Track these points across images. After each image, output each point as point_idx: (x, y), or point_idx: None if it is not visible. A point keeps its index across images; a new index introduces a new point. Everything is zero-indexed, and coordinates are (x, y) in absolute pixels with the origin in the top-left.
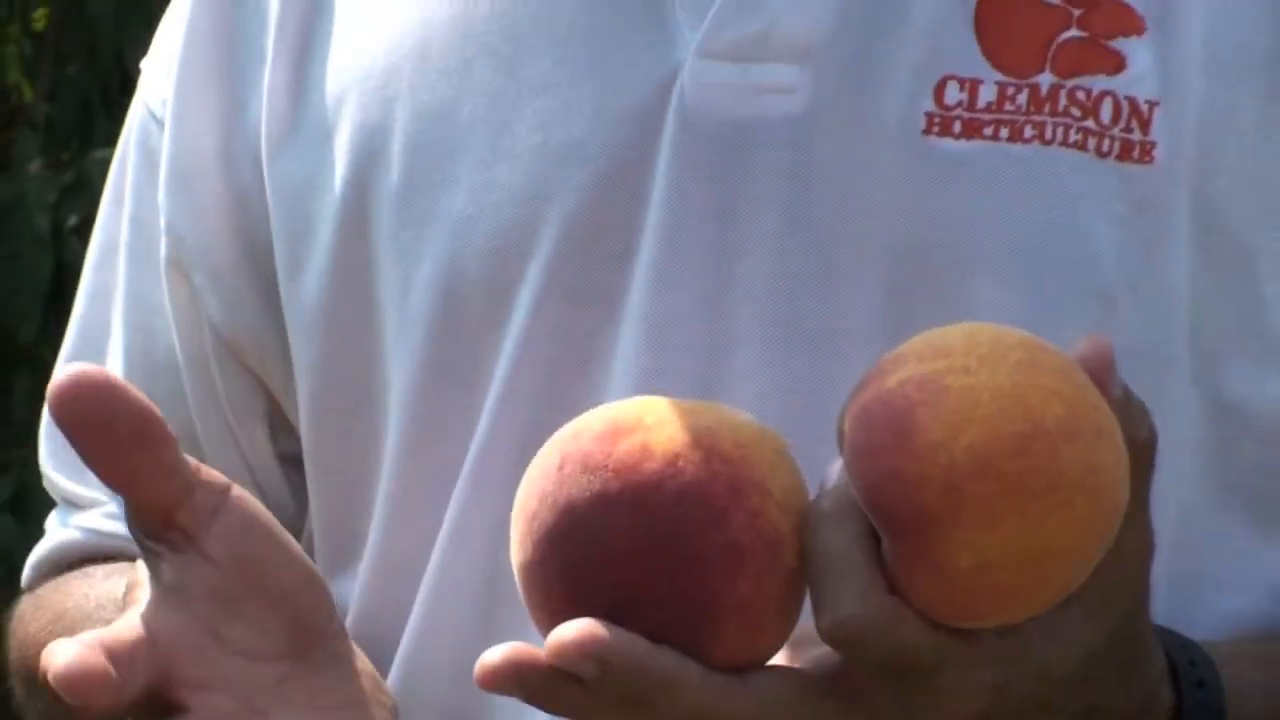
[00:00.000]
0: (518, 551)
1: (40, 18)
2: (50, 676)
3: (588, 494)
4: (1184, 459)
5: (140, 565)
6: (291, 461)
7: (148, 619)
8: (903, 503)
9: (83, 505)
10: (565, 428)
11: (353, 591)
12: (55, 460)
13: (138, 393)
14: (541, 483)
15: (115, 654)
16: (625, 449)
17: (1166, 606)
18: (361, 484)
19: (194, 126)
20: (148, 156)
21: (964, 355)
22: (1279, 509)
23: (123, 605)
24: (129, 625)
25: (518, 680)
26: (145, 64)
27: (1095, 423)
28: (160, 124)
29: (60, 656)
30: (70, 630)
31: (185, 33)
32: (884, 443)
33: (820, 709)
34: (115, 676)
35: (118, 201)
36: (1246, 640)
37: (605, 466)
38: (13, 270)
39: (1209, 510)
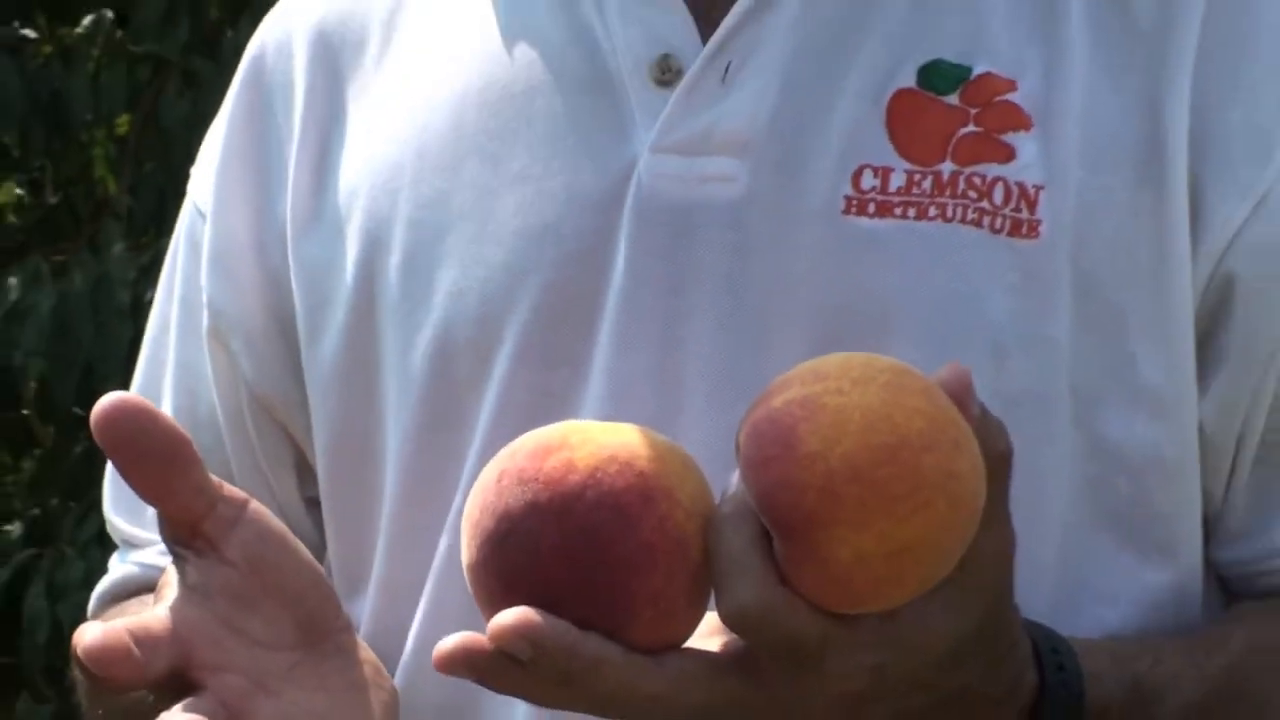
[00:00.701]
0: (465, 553)
1: (123, 124)
2: (80, 651)
3: (521, 503)
4: (1065, 489)
5: (170, 568)
6: (316, 503)
7: (173, 611)
8: (788, 506)
9: (139, 544)
10: (505, 448)
11: (363, 612)
12: (116, 506)
13: (169, 418)
14: (484, 494)
15: (139, 638)
16: (552, 464)
17: (1052, 614)
18: (367, 521)
19: (231, 219)
20: (193, 246)
21: (839, 379)
22: (1147, 534)
23: (155, 603)
24: (155, 616)
25: (468, 663)
26: (193, 170)
27: (952, 436)
28: (204, 218)
29: (89, 635)
30: None
31: (223, 143)
32: (771, 454)
33: (725, 685)
34: (138, 655)
35: (169, 286)
36: (1109, 639)
37: (536, 479)
38: (100, 338)
39: (1088, 533)
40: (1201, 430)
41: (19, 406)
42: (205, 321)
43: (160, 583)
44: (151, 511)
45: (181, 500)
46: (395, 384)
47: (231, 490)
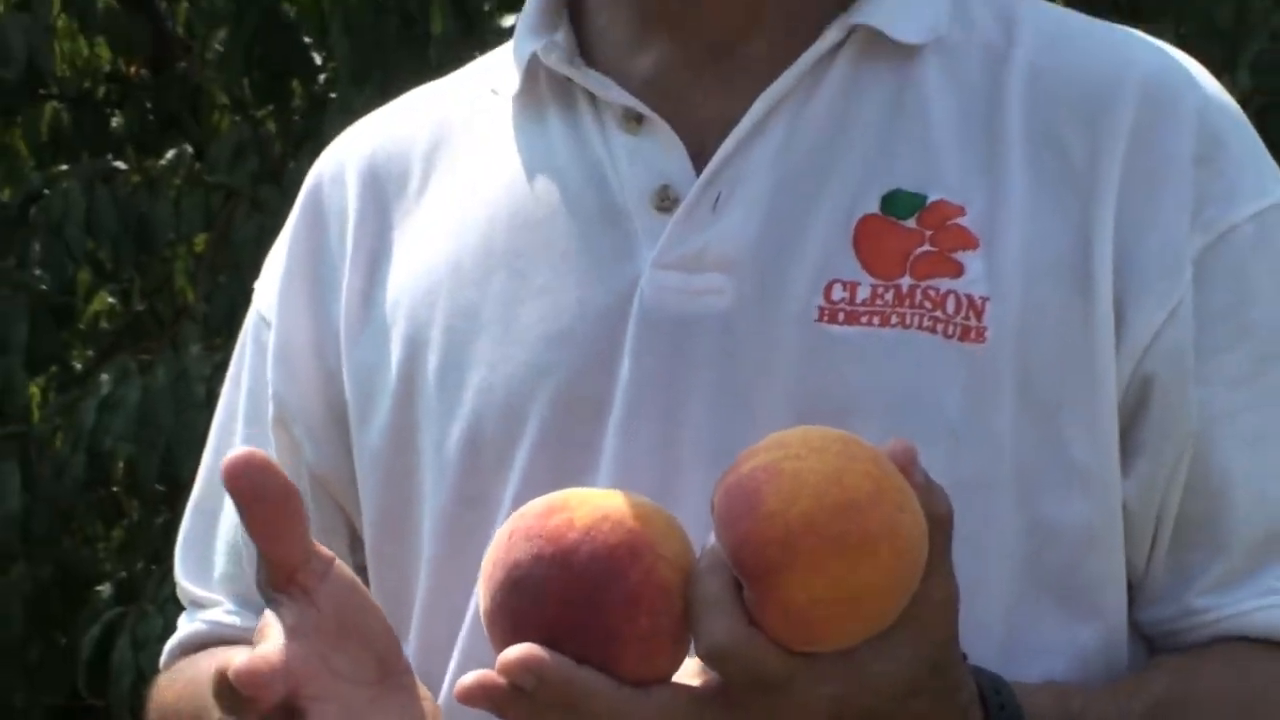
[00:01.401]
0: (481, 601)
1: (200, 243)
2: (230, 673)
3: (528, 556)
4: (1010, 560)
5: (267, 613)
6: (364, 570)
7: (284, 647)
8: (753, 558)
9: (205, 604)
10: (517, 510)
11: None
12: (186, 571)
13: (284, 474)
14: (498, 549)
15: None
16: (555, 523)
17: (1001, 669)
18: (407, 586)
19: (293, 325)
20: (259, 348)
21: (799, 447)
22: (1080, 599)
23: (257, 641)
24: (271, 649)
25: (484, 694)
26: (257, 285)
27: (895, 498)
28: (268, 324)
29: (239, 659)
30: (201, 693)
31: (285, 260)
32: (739, 513)
33: (705, 714)
34: (272, 680)
35: (236, 382)
36: (1045, 684)
37: (541, 536)
38: (180, 426)
39: (1029, 600)
40: (1125, 508)
41: (110, 484)
42: (271, 411)
43: (260, 624)
44: (217, 574)
45: (287, 545)
46: (431, 468)
47: (322, 549)
